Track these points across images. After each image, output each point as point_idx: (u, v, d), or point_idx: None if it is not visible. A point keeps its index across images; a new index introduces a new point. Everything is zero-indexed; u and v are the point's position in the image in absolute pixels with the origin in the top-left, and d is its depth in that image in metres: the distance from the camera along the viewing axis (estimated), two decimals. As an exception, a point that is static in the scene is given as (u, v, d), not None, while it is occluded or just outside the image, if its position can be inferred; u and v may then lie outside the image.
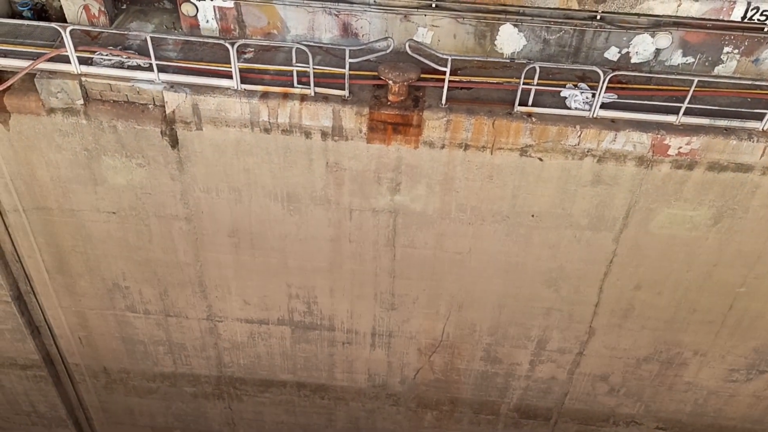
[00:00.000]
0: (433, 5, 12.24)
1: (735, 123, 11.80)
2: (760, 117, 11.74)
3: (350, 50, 11.59)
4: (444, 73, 11.65)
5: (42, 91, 12.12)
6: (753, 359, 15.57)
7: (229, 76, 12.00)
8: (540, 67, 11.57)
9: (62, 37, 11.54)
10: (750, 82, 11.84)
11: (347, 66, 11.66)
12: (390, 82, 11.77)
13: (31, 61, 11.94)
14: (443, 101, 11.95)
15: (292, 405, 18.58)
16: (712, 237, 13.20)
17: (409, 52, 11.75)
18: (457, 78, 12.31)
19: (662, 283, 14.20)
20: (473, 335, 15.97)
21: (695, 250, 13.49)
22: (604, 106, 11.91)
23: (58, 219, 14.29)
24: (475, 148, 12.33)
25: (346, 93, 11.99)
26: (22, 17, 12.75)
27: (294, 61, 11.78)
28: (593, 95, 11.85)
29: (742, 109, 11.94)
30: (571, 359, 16.23)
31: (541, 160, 12.38)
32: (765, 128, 11.72)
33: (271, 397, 18.38)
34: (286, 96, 12.09)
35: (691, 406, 17.00)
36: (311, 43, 12.06)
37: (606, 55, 12.60)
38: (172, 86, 12.09)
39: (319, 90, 12.02)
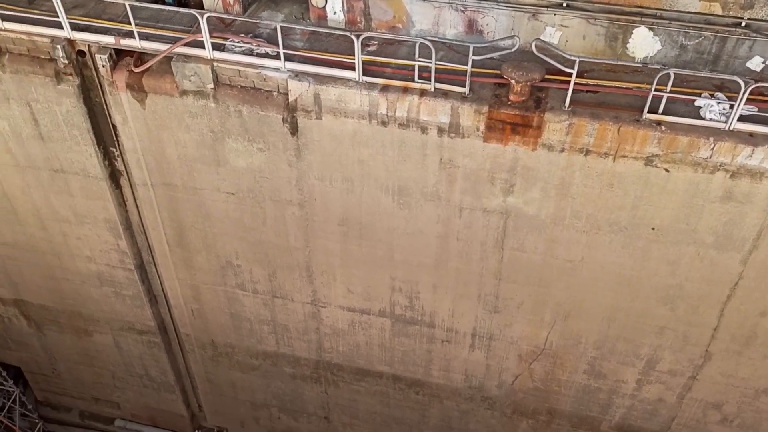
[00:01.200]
0: (564, 4, 11.85)
1: None
2: None
3: (474, 47, 11.43)
4: (569, 74, 11.27)
5: (177, 74, 12.74)
6: None
7: (351, 68, 12.14)
8: (675, 73, 10.96)
9: (199, 23, 12.06)
10: None
11: (470, 63, 11.50)
12: (512, 81, 11.52)
13: (169, 45, 12.57)
14: (567, 104, 11.57)
15: (387, 397, 18.71)
16: None
17: (535, 51, 11.44)
18: (583, 80, 11.87)
19: (792, 312, 13.19)
20: (578, 347, 15.45)
21: (833, 281, 12.43)
22: (742, 118, 11.13)
23: (182, 195, 15.01)
24: (597, 154, 11.87)
25: (466, 90, 11.85)
26: (164, 3, 13.44)
27: (416, 55, 11.76)
28: (731, 106, 11.10)
29: None
30: (682, 382, 15.38)
31: (667, 171, 11.75)
32: None
33: (367, 387, 18.59)
34: (405, 90, 12.10)
35: (813, 447, 15.74)
36: (435, 39, 11.98)
37: (748, 64, 11.77)
38: (297, 75, 12.38)
39: (439, 86, 11.94)
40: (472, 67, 11.59)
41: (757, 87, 11.05)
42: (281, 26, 11.95)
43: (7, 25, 12.93)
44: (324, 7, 12.76)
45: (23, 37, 13.06)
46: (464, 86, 11.83)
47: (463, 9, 12.24)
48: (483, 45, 11.85)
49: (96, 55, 13.03)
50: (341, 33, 12.19)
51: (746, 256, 12.53)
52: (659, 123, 11.38)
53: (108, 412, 23.02)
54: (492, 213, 13.36)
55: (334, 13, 12.81)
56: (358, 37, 11.62)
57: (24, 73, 13.40)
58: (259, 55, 12.58)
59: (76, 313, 19.04)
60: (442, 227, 13.94)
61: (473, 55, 11.43)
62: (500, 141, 12.14)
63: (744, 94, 10.65)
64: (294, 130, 13.06)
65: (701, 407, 15.80)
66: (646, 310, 14.14)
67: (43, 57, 13.27)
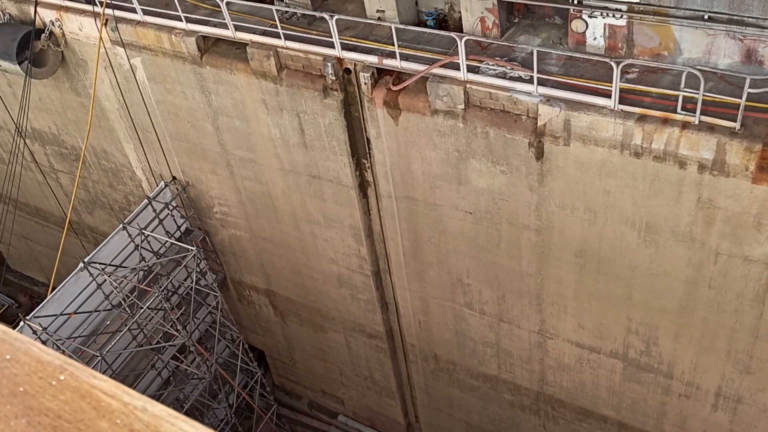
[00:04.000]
0: None
1: None
2: None
3: (751, 79, 10.35)
4: None
5: (431, 94, 13.24)
6: None
7: (607, 95, 11.67)
8: None
9: (457, 46, 12.42)
10: None
11: (744, 95, 10.45)
12: (796, 118, 10.25)
13: (426, 66, 13.10)
14: None
15: (608, 444, 17.60)
16: None
17: (828, 86, 10.08)
18: None
19: None
20: None
21: None
22: None
23: (422, 210, 15.53)
24: None
25: (737, 125, 10.77)
26: (425, 26, 14.06)
27: (682, 85, 10.96)
28: None
29: None
30: None
31: None
32: None
33: (589, 429, 17.65)
34: (665, 121, 11.33)
35: None
36: (705, 68, 11.08)
37: None
38: (548, 100, 12.19)
39: (705, 119, 11.01)
40: (748, 100, 10.51)
41: None
42: (537, 50, 11.87)
43: (289, 44, 14.41)
44: (584, 32, 12.43)
45: (300, 54, 14.47)
46: (735, 120, 10.77)
47: (741, 37, 11.16)
48: (763, 77, 10.69)
49: (360, 73, 14.00)
50: (600, 59, 11.77)
51: None
52: None
53: (333, 407, 24.51)
54: (755, 262, 11.97)
55: (594, 38, 12.42)
56: (618, 63, 11.13)
57: (297, 87, 14.83)
58: (512, 79, 12.62)
59: (316, 309, 20.56)
60: (693, 272, 12.79)
61: (750, 87, 10.36)
62: (772, 183, 10.86)
63: None
64: (539, 154, 12.87)
65: None
66: None
67: (314, 73, 14.58)
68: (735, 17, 11.04)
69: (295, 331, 22.22)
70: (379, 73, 14.05)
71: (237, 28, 14.90)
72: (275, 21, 14.09)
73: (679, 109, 11.18)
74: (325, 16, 13.46)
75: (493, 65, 12.84)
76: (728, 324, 13.09)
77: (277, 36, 14.36)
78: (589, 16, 12.14)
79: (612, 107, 11.64)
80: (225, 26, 14.89)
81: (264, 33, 14.77)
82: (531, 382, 17.65)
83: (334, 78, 14.22)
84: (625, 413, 16.43)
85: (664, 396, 15.35)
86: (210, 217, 19.96)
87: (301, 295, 20.51)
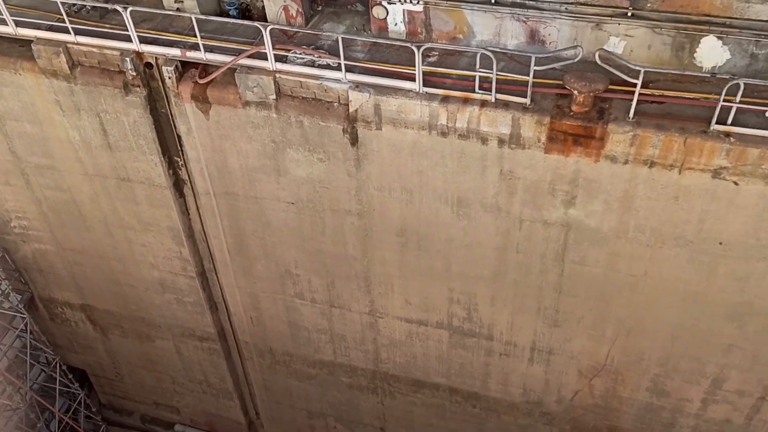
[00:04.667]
0: (629, 14, 11.64)
1: None
2: None
3: (536, 57, 11.32)
4: (634, 85, 11.04)
5: (240, 85, 13.02)
6: None
7: (411, 79, 12.18)
8: (745, 83, 10.62)
9: (262, 36, 12.32)
10: None
11: (531, 73, 11.40)
12: (575, 92, 11.36)
13: (233, 57, 12.86)
14: (631, 115, 11.34)
15: (443, 409, 18.57)
16: None
17: (599, 61, 11.26)
18: (648, 91, 11.62)
19: None
20: (640, 363, 15.04)
21: None
22: (818, 129, 10.71)
23: (243, 205, 15.30)
24: (662, 166, 11.58)
25: (527, 101, 11.74)
26: (228, 15, 13.77)
27: (477, 66, 11.73)
28: (806, 117, 10.70)
29: None
30: (751, 403, 14.79)
31: (736, 184, 11.37)
32: None
33: (423, 399, 18.50)
34: (466, 101, 12.07)
35: None
36: (496, 49, 11.93)
37: (825, 72, 11.33)
38: (357, 86, 12.49)
39: (500, 96, 11.87)
40: (534, 77, 11.48)
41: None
42: (342, 38, 12.09)
43: (80, 38, 13.45)
44: (385, 18, 12.86)
45: (94, 50, 13.57)
46: (525, 97, 11.73)
47: (525, 19, 12.15)
48: (545, 55, 11.73)
49: (163, 67, 13.43)
50: (402, 44, 12.26)
51: (822, 273, 12.01)
52: (728, 134, 11.04)
53: (168, 417, 23.52)
54: (553, 225, 13.16)
55: (395, 24, 12.89)
56: (418, 47, 11.66)
57: (94, 84, 13.91)
58: (320, 67, 12.75)
59: (139, 318, 19.56)
60: (501, 239, 13.81)
61: (535, 65, 11.33)
62: (562, 152, 11.98)
63: (820, 104, 10.25)
64: (354, 140, 13.17)
65: (772, 430, 15.18)
66: (713, 327, 13.68)
67: (112, 69, 13.74)
68: (518, 1, 11.99)
69: (118, 345, 20.99)
70: (184, 67, 13.56)
71: (18, 24, 13.65)
72: (62, 15, 13.09)
73: (477, 89, 11.95)
74: (118, 8, 12.72)
75: (300, 54, 12.90)
76: (536, 284, 14.30)
77: (65, 31, 13.35)
78: (388, 3, 12.58)
79: (417, 90, 12.18)
80: (4, 22, 13.59)
81: (50, 28, 13.66)
82: (366, 363, 18.12)
83: (134, 73, 13.52)
84: (455, 378, 17.42)
85: (487, 357, 16.46)
86: (7, 232, 18.21)
87: (121, 306, 19.39)
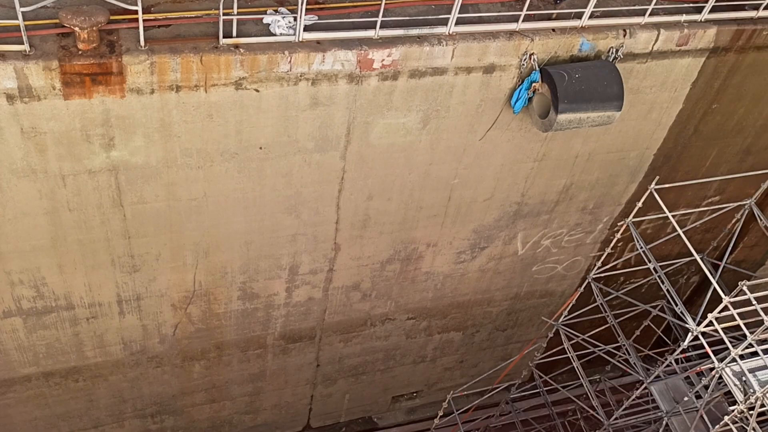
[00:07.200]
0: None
1: (425, 30, 12.66)
2: (445, 22, 12.71)
3: (23, -3, 10.16)
4: (136, 12, 10.77)
5: None
6: (474, 240, 17.55)
7: None
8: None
9: None
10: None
11: (20, 15, 10.22)
12: (76, 28, 10.60)
13: None
14: (142, 43, 11.12)
15: (44, 397, 16.99)
16: (423, 139, 14.31)
17: (92, -8, 10.64)
18: (151, 16, 11.48)
19: (390, 189, 15.18)
20: (226, 277, 15.79)
21: (412, 154, 14.55)
22: (307, 28, 12.00)
23: None
24: (188, 88, 11.76)
25: (26, 47, 10.57)
26: None
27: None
28: (295, 18, 11.86)
29: (430, 17, 12.83)
30: (323, 277, 16.88)
31: (257, 91, 12.23)
32: (451, 32, 12.75)
33: (17, 396, 16.61)
34: (-50, 59, 10.33)
35: (432, 292, 18.80)
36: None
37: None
38: None
39: (-8, 47, 10.46)
40: (25, 20, 10.33)
41: (313, -3, 11.95)
42: None
43: None
44: None
45: None
46: (23, 43, 10.53)
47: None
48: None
49: None
50: None
51: (343, 152, 13.92)
52: (237, 46, 11.66)
53: None
54: (99, 173, 12.50)
55: None
56: None
57: None
58: None
59: None
60: (48, 202, 12.64)
61: (21, 6, 10.16)
62: (83, 95, 11.24)
63: (302, 5, 11.42)
64: None
65: (344, 292, 17.63)
66: (276, 224, 14.96)
67: None
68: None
69: None
70: None
71: None
72: None
73: (-40, 44, 10.30)
74: None
75: None
76: (101, 236, 13.61)
77: None
78: None
79: None
80: None
81: None
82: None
83: None
84: (45, 362, 15.95)
85: (74, 327, 15.37)
86: None
87: None
